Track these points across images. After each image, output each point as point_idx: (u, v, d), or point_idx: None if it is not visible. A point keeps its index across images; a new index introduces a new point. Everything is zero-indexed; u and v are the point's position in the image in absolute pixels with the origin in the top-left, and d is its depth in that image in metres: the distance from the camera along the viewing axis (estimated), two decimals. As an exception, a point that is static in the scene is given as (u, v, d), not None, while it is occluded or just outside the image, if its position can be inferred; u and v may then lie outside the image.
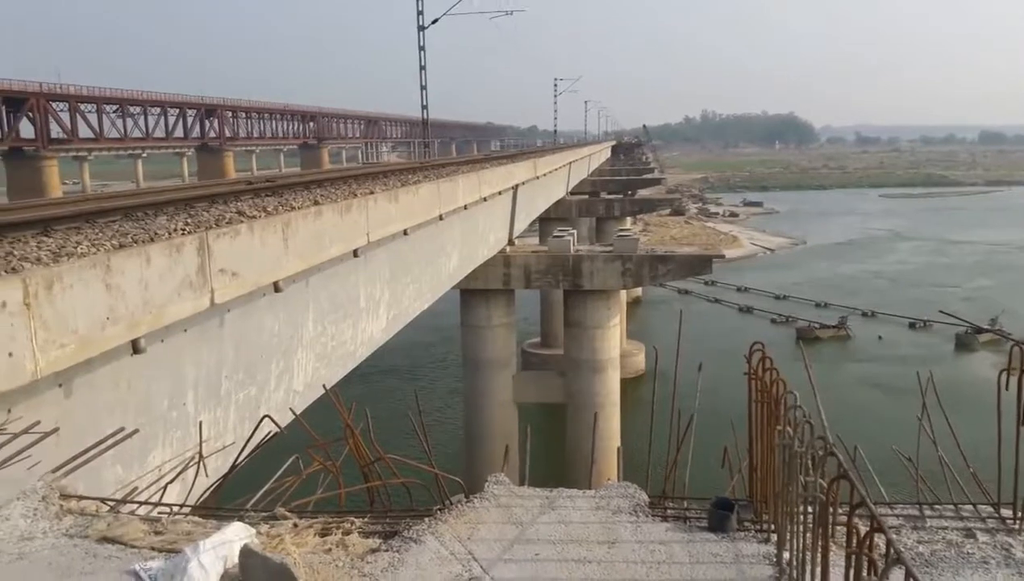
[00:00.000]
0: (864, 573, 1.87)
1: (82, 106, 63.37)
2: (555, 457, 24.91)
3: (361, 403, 4.18)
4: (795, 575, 2.57)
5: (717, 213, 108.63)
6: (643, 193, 65.03)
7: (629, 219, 59.24)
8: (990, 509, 3.35)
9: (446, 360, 39.69)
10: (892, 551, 1.76)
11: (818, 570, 2.20)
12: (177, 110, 75.81)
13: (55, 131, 59.96)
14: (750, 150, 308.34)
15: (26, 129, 57.43)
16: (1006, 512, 3.32)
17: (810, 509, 2.41)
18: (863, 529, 1.94)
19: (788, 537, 2.67)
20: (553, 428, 26.99)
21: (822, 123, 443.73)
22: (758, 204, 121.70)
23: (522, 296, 28.36)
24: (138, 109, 70.62)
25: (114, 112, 67.65)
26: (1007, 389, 3.22)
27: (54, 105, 60.18)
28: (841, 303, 50.85)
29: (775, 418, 3.00)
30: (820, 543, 2.16)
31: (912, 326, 45.79)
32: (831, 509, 2.12)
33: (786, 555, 2.76)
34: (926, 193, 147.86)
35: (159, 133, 74.01)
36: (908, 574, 1.66)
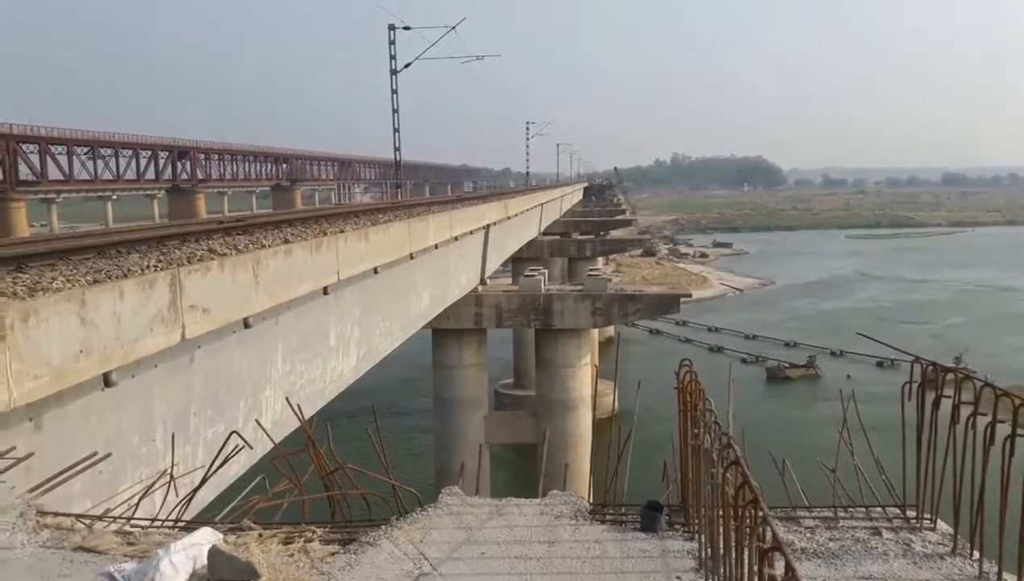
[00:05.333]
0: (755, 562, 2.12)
1: (52, 148, 63.12)
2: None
3: (329, 427, 4.40)
4: (710, 564, 2.83)
5: (688, 254, 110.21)
6: (615, 234, 65.88)
7: (601, 259, 60.00)
8: (897, 511, 3.66)
9: (422, 398, 39.62)
10: (775, 540, 2.02)
11: (726, 558, 2.45)
12: (149, 152, 75.67)
13: (24, 173, 59.56)
14: (720, 192, 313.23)
15: (-6, 171, 56.96)
16: (911, 513, 3.62)
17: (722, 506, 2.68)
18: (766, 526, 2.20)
19: (698, 530, 2.94)
20: (527, 468, 27.00)
21: (790, 165, 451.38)
22: (728, 245, 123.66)
23: (496, 337, 28.43)
24: (109, 151, 70.40)
25: (85, 154, 67.39)
26: (909, 399, 3.56)
27: (23, 147, 59.89)
28: (810, 342, 51.66)
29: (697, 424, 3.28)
30: (721, 527, 2.43)
31: (880, 364, 46.61)
32: (732, 497, 2.39)
33: (709, 550, 3.02)
34: (892, 234, 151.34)
35: (130, 175, 73.64)
36: (788, 565, 1.89)
